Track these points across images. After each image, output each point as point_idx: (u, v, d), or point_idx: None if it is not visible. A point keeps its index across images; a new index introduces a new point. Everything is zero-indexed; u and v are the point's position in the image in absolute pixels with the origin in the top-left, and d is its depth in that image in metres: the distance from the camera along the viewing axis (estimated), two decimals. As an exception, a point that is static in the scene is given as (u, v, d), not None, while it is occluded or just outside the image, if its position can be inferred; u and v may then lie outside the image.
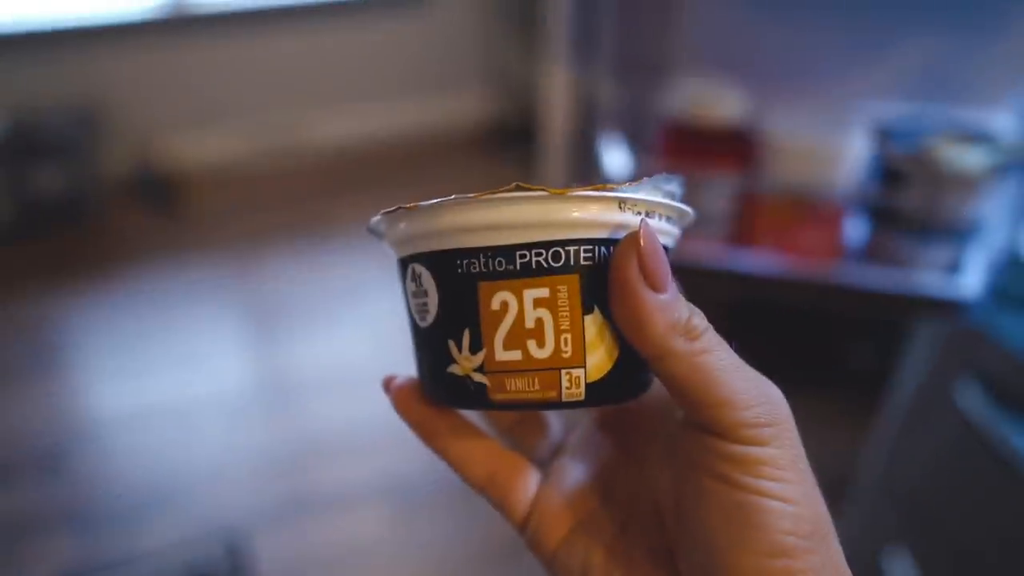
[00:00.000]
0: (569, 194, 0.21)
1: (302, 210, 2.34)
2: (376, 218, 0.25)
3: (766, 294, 0.66)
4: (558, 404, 0.23)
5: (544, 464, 0.28)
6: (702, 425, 0.22)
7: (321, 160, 2.63)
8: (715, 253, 0.67)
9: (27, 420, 1.58)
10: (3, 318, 1.88)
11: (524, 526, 0.27)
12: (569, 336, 0.22)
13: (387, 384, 0.27)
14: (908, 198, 0.63)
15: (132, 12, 2.33)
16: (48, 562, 1.29)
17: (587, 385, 0.23)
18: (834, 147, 0.62)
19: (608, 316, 0.22)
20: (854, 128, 0.64)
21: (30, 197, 2.16)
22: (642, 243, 0.21)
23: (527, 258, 0.22)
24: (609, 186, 0.22)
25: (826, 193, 0.64)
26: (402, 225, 0.24)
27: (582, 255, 0.22)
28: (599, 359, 0.23)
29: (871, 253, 0.67)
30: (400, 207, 0.23)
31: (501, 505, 0.27)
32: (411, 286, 0.25)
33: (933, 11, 0.67)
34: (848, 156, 0.63)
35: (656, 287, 0.21)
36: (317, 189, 2.46)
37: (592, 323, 0.22)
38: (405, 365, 0.28)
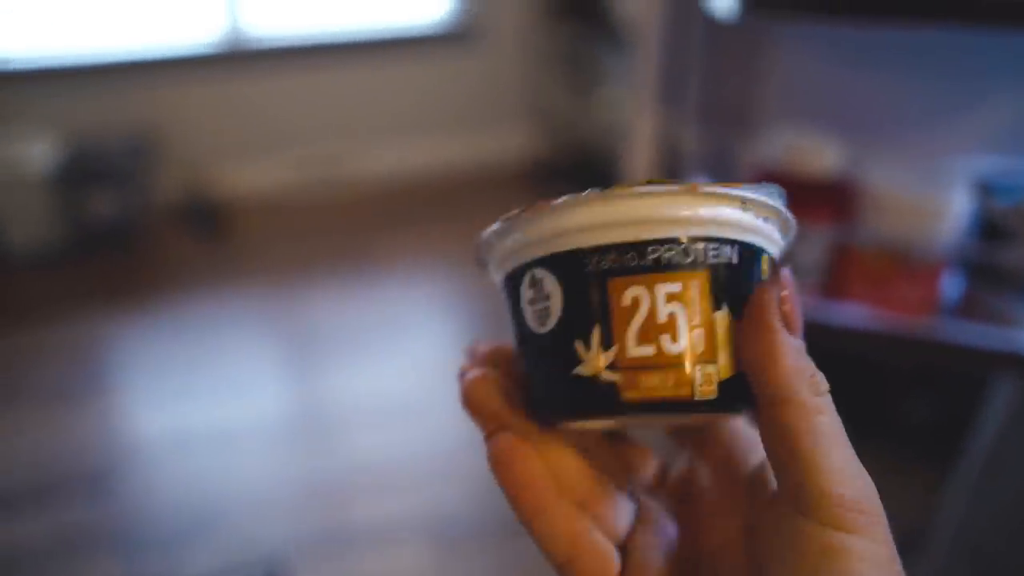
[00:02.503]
0: (699, 190, 0.22)
1: (347, 242, 2.37)
2: (495, 226, 0.25)
3: (857, 348, 0.65)
4: (689, 403, 0.23)
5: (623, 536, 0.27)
6: (790, 489, 0.21)
7: (367, 193, 2.66)
8: (807, 304, 0.66)
9: (74, 440, 1.59)
10: (52, 340, 1.90)
11: None
12: (701, 332, 0.22)
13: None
14: (1011, 255, 0.62)
15: (188, 46, 2.40)
16: (94, 585, 1.29)
17: (719, 383, 0.23)
18: (936, 202, 0.62)
19: (733, 318, 0.23)
20: (954, 182, 0.64)
21: (83, 221, 2.21)
22: (785, 289, 0.22)
23: (658, 254, 0.22)
24: (733, 184, 0.23)
25: (925, 248, 0.63)
26: (519, 233, 0.24)
27: (709, 252, 0.22)
28: (727, 360, 0.23)
29: (966, 309, 0.66)
30: (524, 209, 0.24)
31: None
32: (528, 293, 0.24)
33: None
34: (950, 211, 0.63)
35: (792, 331, 0.22)
36: (363, 221, 2.49)
37: (721, 321, 0.23)
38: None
